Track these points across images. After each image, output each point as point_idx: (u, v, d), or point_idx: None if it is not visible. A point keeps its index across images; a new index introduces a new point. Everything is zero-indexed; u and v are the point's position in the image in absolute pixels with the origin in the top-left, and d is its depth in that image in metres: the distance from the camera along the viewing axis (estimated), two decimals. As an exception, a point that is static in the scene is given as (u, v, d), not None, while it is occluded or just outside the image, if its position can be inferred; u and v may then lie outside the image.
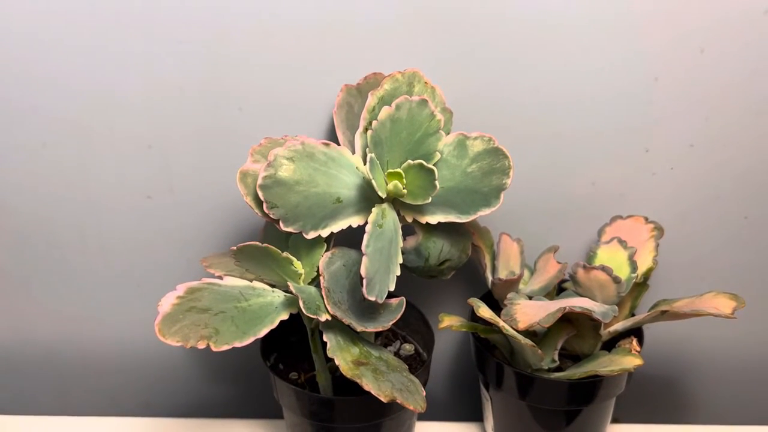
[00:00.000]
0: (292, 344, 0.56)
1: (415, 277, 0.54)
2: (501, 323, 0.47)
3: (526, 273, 0.57)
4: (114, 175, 0.58)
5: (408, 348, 0.56)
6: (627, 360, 0.49)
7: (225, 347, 0.42)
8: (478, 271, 0.60)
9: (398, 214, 0.48)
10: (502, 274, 0.55)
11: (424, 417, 0.63)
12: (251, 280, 0.48)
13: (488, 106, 0.55)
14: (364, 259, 0.42)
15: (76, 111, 0.55)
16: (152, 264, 0.62)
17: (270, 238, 0.50)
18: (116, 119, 0.56)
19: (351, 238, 0.49)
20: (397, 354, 0.55)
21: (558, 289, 0.57)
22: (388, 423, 0.51)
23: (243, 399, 0.68)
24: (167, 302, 0.43)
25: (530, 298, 0.53)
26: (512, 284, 0.53)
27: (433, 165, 0.45)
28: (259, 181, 0.44)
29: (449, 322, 0.50)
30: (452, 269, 0.52)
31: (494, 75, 0.54)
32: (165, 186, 0.59)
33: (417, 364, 0.55)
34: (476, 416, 0.62)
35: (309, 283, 0.48)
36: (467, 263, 0.57)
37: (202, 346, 0.42)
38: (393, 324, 0.46)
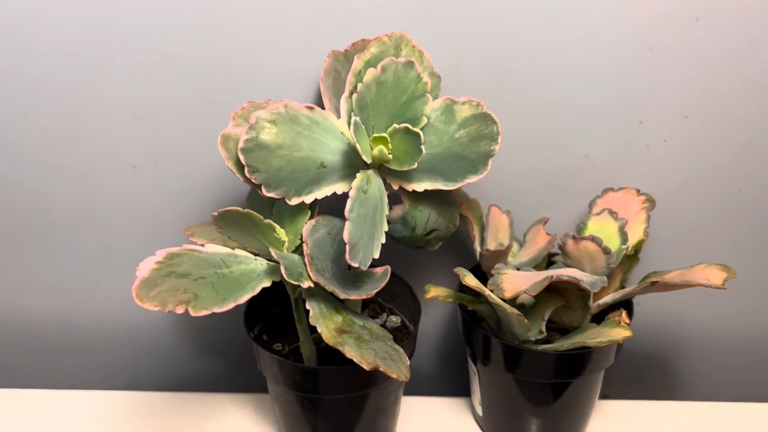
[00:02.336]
0: (276, 316, 0.55)
1: (403, 249, 0.53)
2: (487, 292, 0.46)
3: (515, 245, 0.56)
4: (99, 144, 0.57)
5: (394, 320, 0.55)
6: (616, 332, 0.48)
7: (204, 312, 0.41)
8: (466, 243, 0.59)
9: (384, 182, 0.47)
10: (491, 245, 0.54)
11: (411, 392, 0.63)
12: (233, 248, 0.47)
13: (479, 74, 0.54)
14: (347, 224, 0.41)
15: (58, 78, 0.54)
16: (140, 235, 0.61)
17: (254, 205, 0.49)
18: (100, 86, 0.55)
19: (337, 209, 0.48)
20: (383, 326, 0.55)
21: (548, 262, 0.56)
22: (373, 394, 0.51)
23: (231, 373, 0.67)
24: (146, 267, 0.42)
25: (518, 269, 0.52)
26: (501, 255, 0.52)
27: (420, 129, 0.44)
28: (241, 145, 0.43)
29: (435, 292, 0.50)
30: (439, 240, 0.51)
31: (486, 43, 0.53)
32: (151, 155, 0.58)
33: (403, 337, 0.54)
34: (464, 392, 0.61)
35: (293, 252, 0.47)
36: (456, 235, 0.56)
37: (180, 310, 0.41)
38: (377, 293, 0.45)
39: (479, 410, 0.58)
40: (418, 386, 0.65)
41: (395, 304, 0.57)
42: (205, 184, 0.59)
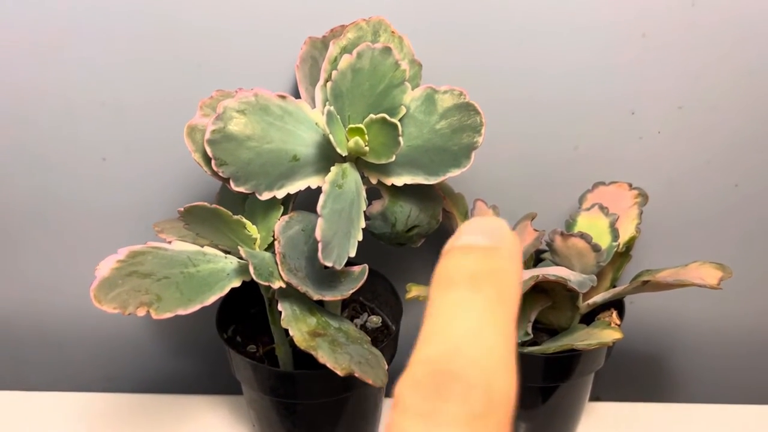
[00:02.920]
0: (251, 316, 0.53)
1: (385, 246, 0.50)
2: (469, 292, 0.43)
3: (503, 242, 0.53)
4: (66, 134, 0.55)
5: (375, 320, 0.53)
6: (605, 333, 0.46)
7: (167, 315, 0.39)
8: (451, 240, 0.56)
9: (362, 176, 0.45)
10: (477, 242, 0.52)
11: (391, 394, 0.61)
12: (203, 246, 0.44)
13: (464, 62, 0.51)
14: (320, 221, 0.39)
15: (24, 65, 0.51)
16: (110, 230, 0.59)
17: (226, 200, 0.47)
18: (66, 73, 0.52)
19: (314, 204, 0.45)
20: (363, 327, 0.52)
21: (536, 260, 0.53)
22: (352, 398, 0.48)
23: (209, 374, 0.65)
24: (106, 266, 0.40)
25: (505, 267, 0.50)
26: (486, 253, 0.50)
27: (399, 120, 0.42)
28: (207, 136, 0.40)
29: (417, 292, 0.47)
30: (421, 236, 0.49)
31: (472, 29, 0.50)
32: (121, 147, 0.56)
33: (384, 338, 0.51)
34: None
35: (266, 249, 0.45)
36: (441, 231, 0.53)
37: (141, 313, 0.38)
38: (354, 292, 0.43)
39: (464, 413, 0.55)
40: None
41: (377, 302, 0.55)
42: (179, 176, 0.56)
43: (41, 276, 0.61)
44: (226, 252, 0.45)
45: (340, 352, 0.40)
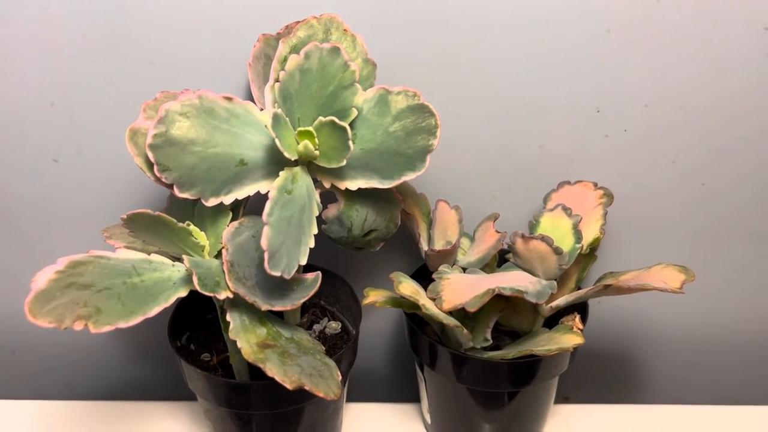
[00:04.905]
0: (207, 322, 0.51)
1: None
2: (421, 302, 0.42)
3: (467, 241, 0.52)
4: (14, 135, 0.53)
5: (334, 326, 0.51)
6: (566, 338, 0.45)
7: (107, 328, 0.37)
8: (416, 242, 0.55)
9: (315, 180, 0.43)
10: (439, 244, 0.50)
11: (360, 398, 0.59)
12: (150, 253, 0.42)
13: (423, 61, 0.50)
14: (266, 230, 0.37)
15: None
16: (63, 233, 0.57)
17: (175, 204, 0.45)
18: (11, 70, 0.50)
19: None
20: (322, 333, 0.51)
21: (501, 260, 0.52)
22: (309, 408, 0.47)
23: (168, 380, 0.63)
24: (43, 278, 0.38)
25: (465, 270, 0.48)
26: (447, 255, 0.49)
27: (350, 123, 0.40)
28: (149, 140, 0.39)
29: (374, 297, 0.46)
30: (380, 240, 0.48)
31: (430, 27, 0.49)
32: (72, 148, 0.54)
33: (344, 344, 0.50)
34: (417, 396, 0.58)
35: (216, 257, 0.43)
36: (405, 232, 0.52)
37: (78, 327, 0.37)
38: (315, 296, 0.42)
39: (428, 417, 0.54)
40: (367, 391, 0.62)
41: (338, 306, 0.53)
42: (134, 177, 0.54)
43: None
44: (176, 259, 0.43)
45: (290, 364, 0.39)
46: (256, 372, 0.46)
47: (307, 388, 0.38)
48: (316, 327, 0.51)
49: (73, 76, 0.51)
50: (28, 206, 0.56)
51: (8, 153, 0.54)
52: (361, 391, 0.61)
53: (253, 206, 0.45)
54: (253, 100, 0.46)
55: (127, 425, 0.57)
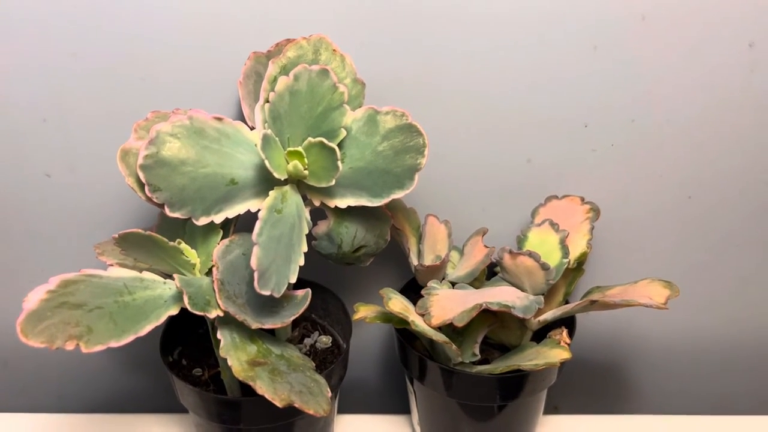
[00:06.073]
0: (199, 336, 0.52)
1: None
2: (410, 319, 0.43)
3: (456, 256, 0.53)
4: (7, 150, 0.53)
5: (325, 341, 0.52)
6: (554, 353, 0.45)
7: (98, 347, 0.38)
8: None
9: (305, 198, 0.44)
10: (428, 258, 0.51)
11: (351, 409, 0.60)
12: (141, 271, 0.43)
13: (412, 79, 0.51)
14: (255, 249, 0.38)
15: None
16: (55, 249, 0.57)
17: (166, 221, 0.46)
18: (4, 87, 0.50)
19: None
20: (313, 347, 0.51)
21: (490, 273, 0.53)
22: (300, 422, 0.47)
23: (161, 392, 0.64)
24: (35, 298, 0.38)
25: (454, 284, 0.49)
26: (436, 270, 0.49)
27: (339, 143, 0.41)
28: (140, 161, 0.39)
29: (365, 312, 0.46)
30: (369, 256, 0.48)
31: (418, 46, 0.49)
32: (65, 163, 0.54)
33: (335, 358, 0.51)
34: (408, 407, 0.59)
35: (207, 274, 0.44)
36: (396, 247, 0.52)
37: (70, 347, 0.37)
38: (306, 310, 0.42)
39: (418, 429, 0.55)
40: (358, 403, 0.62)
41: (329, 320, 0.54)
42: (126, 194, 0.55)
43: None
44: (167, 276, 0.44)
45: (280, 382, 0.40)
46: (247, 387, 0.46)
47: (296, 405, 0.39)
48: (307, 341, 0.52)
49: (64, 92, 0.51)
50: (20, 219, 0.56)
51: (0, 168, 0.54)
52: (352, 402, 0.61)
53: (243, 223, 0.45)
54: (243, 117, 0.47)
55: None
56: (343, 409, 0.59)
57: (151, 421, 0.59)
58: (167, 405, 0.62)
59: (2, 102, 0.51)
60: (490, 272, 0.53)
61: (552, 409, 0.64)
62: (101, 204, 0.55)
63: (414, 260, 0.51)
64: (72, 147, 0.53)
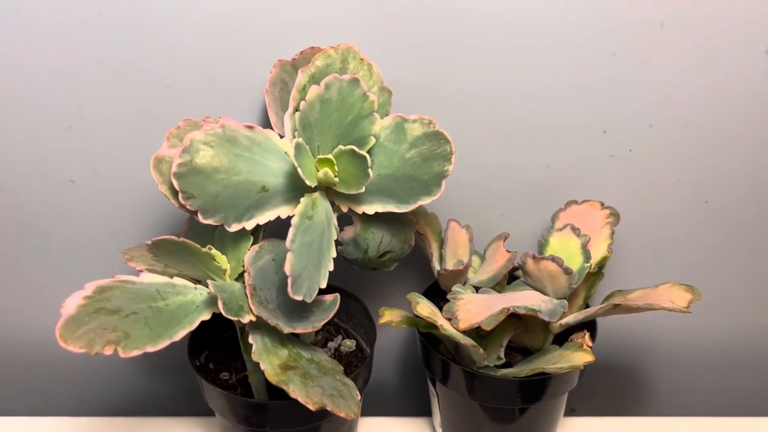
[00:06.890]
0: (225, 341, 0.52)
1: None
2: (439, 323, 0.43)
3: (477, 260, 0.53)
4: (32, 157, 0.54)
5: (349, 344, 0.53)
6: (577, 356, 0.46)
7: (135, 352, 0.38)
8: (428, 259, 0.56)
9: (333, 204, 0.44)
10: (450, 263, 0.52)
11: (372, 411, 0.61)
12: (172, 276, 0.44)
13: (435, 85, 0.51)
14: (289, 256, 0.38)
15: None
16: (80, 254, 0.58)
17: (195, 227, 0.46)
18: (30, 95, 0.51)
19: (285, 230, 0.45)
20: (337, 350, 0.52)
21: (511, 278, 0.53)
22: (325, 426, 0.48)
23: (183, 395, 0.64)
24: (72, 303, 0.39)
25: (477, 289, 0.50)
26: (459, 275, 0.50)
27: (369, 150, 0.42)
28: (174, 169, 0.40)
29: (390, 317, 0.47)
30: (394, 261, 0.49)
31: (440, 51, 0.50)
32: (89, 169, 0.55)
33: (359, 361, 0.51)
34: (429, 410, 0.59)
35: (236, 279, 0.44)
36: (417, 252, 0.53)
37: (108, 352, 0.38)
38: (326, 323, 0.43)
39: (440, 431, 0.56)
40: (380, 405, 0.63)
41: (351, 324, 0.55)
42: (150, 199, 0.55)
43: (10, 300, 0.60)
44: (197, 281, 0.44)
45: (311, 386, 0.40)
46: (274, 390, 0.47)
47: (329, 408, 0.40)
48: (331, 345, 0.53)
49: (90, 99, 0.52)
50: (44, 225, 0.57)
51: (26, 174, 0.55)
52: (373, 404, 0.62)
53: (271, 228, 0.46)
54: (269, 124, 0.48)
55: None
56: (364, 413, 0.60)
57: (172, 425, 0.59)
58: (187, 408, 0.63)
59: (28, 109, 0.52)
60: (510, 276, 0.53)
61: (570, 411, 0.64)
62: (125, 210, 0.56)
63: (436, 265, 0.52)
64: (96, 153, 0.54)
